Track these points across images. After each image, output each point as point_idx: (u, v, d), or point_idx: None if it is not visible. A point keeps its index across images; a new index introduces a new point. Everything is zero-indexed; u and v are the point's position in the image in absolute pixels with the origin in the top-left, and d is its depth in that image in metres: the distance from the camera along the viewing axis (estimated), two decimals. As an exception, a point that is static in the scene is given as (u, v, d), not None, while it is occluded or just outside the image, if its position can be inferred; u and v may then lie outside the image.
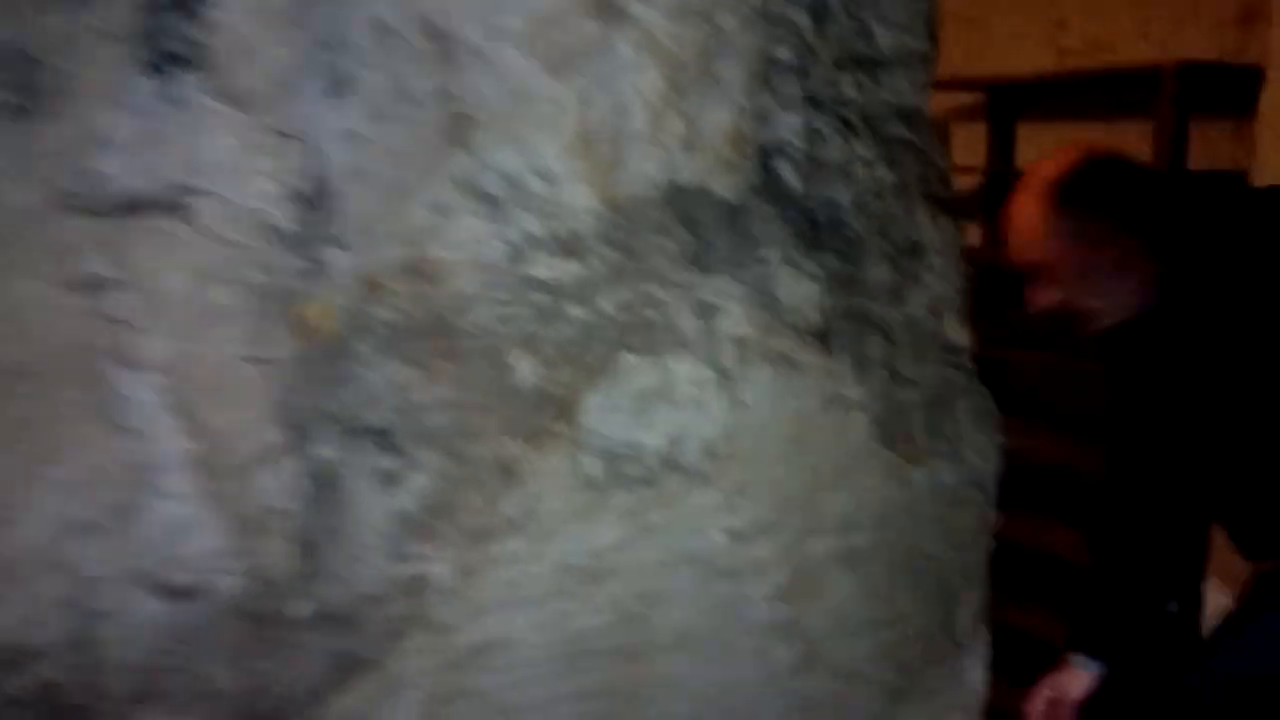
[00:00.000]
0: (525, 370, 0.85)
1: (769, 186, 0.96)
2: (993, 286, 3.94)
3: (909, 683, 1.10)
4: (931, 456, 1.07)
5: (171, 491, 0.75)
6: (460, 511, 0.83)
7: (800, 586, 1.00)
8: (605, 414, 0.87)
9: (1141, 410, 1.55)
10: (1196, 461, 1.53)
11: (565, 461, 0.86)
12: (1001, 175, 3.84)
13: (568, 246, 0.87)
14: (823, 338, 0.97)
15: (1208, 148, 3.02)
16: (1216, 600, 2.19)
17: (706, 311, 0.91)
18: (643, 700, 0.93)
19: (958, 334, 1.12)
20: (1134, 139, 3.24)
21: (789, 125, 0.97)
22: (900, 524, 1.05)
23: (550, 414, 0.85)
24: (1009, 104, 3.82)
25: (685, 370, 0.90)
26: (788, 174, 0.98)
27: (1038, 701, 1.78)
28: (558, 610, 0.88)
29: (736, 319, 0.93)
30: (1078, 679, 1.76)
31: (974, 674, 1.16)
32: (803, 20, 0.95)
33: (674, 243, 0.90)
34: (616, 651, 0.91)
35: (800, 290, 0.96)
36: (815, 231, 0.99)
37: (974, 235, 3.95)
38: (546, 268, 0.86)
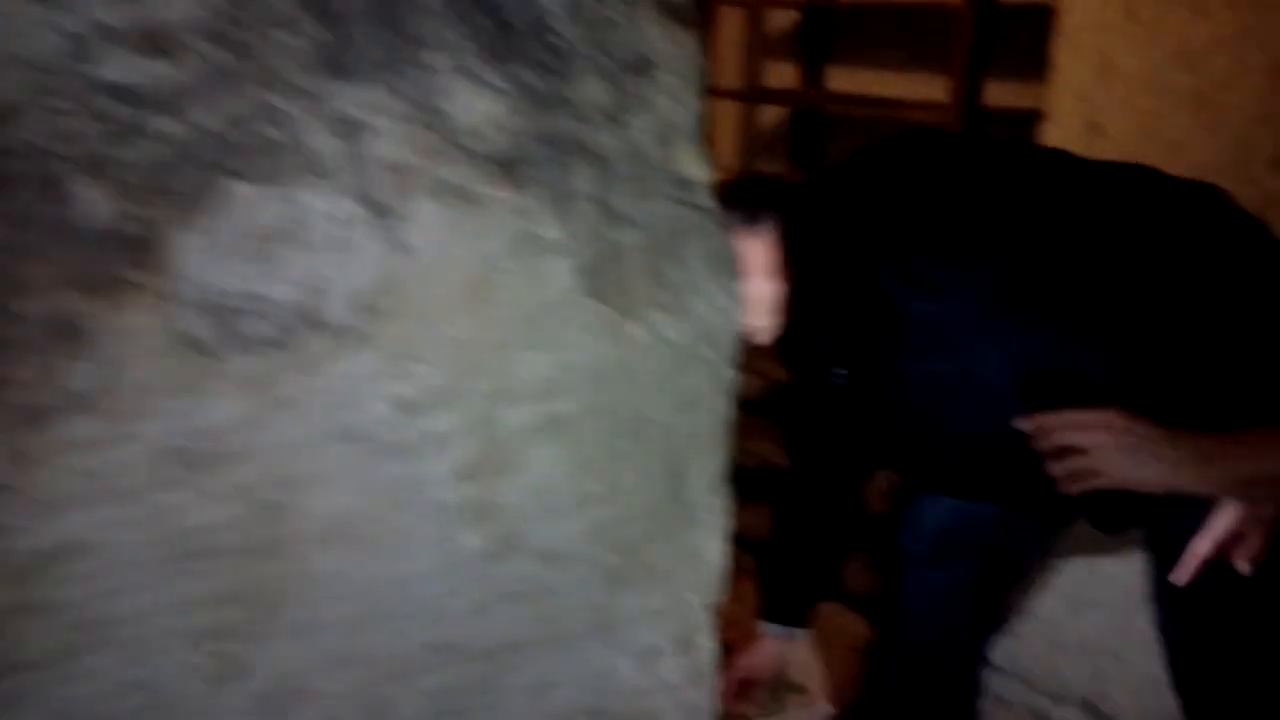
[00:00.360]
0: (94, 203, 0.65)
1: (442, -24, 0.77)
2: (810, 131, 3.82)
3: (633, 563, 0.98)
4: (653, 309, 0.92)
5: None
6: (7, 385, 0.64)
7: (492, 462, 0.85)
8: (211, 259, 0.69)
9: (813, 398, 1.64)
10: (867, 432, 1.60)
11: (154, 320, 0.68)
12: (819, 10, 3.68)
13: (154, 41, 0.67)
14: (509, 166, 0.80)
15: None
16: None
17: (349, 130, 0.73)
18: (285, 602, 0.77)
19: (693, 167, 0.96)
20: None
21: (471, -100, 0.78)
22: (615, 387, 0.91)
23: (130, 259, 0.67)
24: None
25: (322, 204, 0.72)
26: (470, -38, 0.79)
27: (732, 684, 1.93)
28: (161, 504, 0.71)
29: (391, 140, 0.75)
30: (770, 652, 1.92)
31: (711, 549, 1.05)
32: None
33: (304, 41, 0.71)
34: (246, 549, 0.75)
35: (479, 107, 0.78)
36: (505, 37, 0.81)
37: (790, 76, 3.81)
38: (124, 69, 0.66)
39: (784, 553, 1.86)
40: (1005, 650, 2.26)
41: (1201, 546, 1.26)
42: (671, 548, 1.00)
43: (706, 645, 1.08)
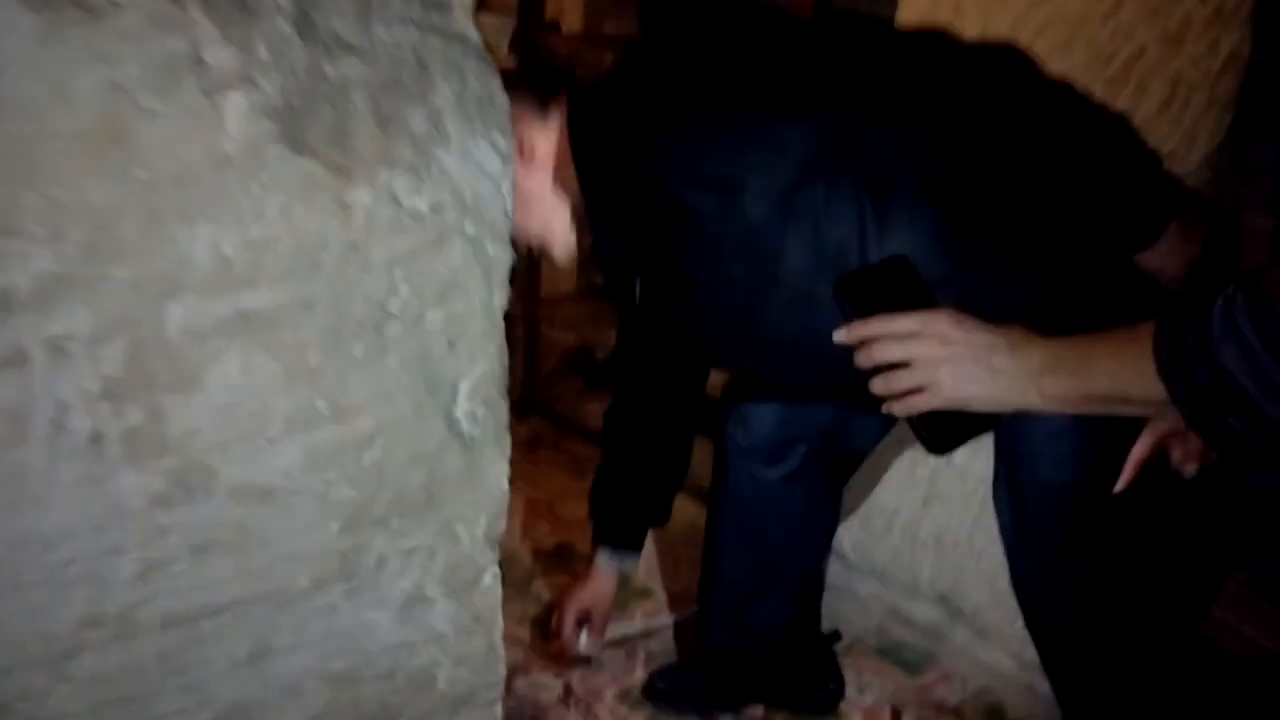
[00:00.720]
0: None
1: None
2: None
3: (379, 496, 0.77)
4: (386, 168, 0.70)
5: None
6: None
7: (153, 375, 0.63)
8: None
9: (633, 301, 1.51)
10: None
11: None
12: None
13: None
14: (142, -41, 0.57)
15: None
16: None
17: None
18: None
19: (442, -17, 0.73)
20: None
21: None
22: (336, 271, 0.69)
23: None
24: None
25: None
26: None
27: (568, 624, 1.86)
28: None
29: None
30: (605, 584, 1.85)
31: (489, 472, 0.84)
32: None
33: None
34: None
35: None
36: None
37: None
38: None
39: (615, 475, 1.75)
40: (858, 545, 2.14)
41: (1140, 450, 1.12)
42: (434, 473, 0.80)
43: (488, 584, 0.89)
